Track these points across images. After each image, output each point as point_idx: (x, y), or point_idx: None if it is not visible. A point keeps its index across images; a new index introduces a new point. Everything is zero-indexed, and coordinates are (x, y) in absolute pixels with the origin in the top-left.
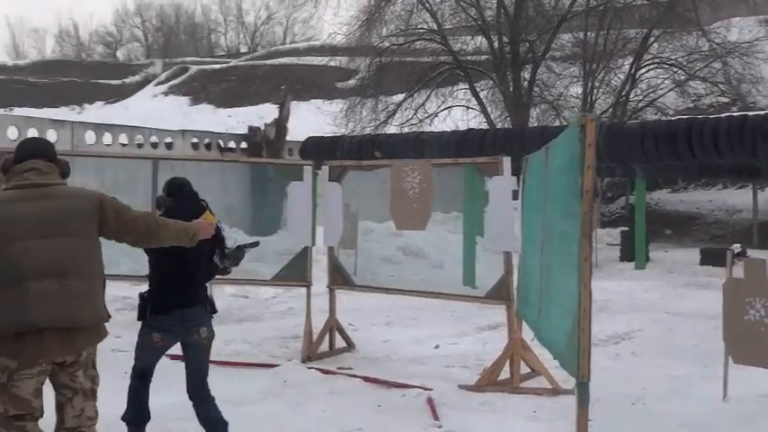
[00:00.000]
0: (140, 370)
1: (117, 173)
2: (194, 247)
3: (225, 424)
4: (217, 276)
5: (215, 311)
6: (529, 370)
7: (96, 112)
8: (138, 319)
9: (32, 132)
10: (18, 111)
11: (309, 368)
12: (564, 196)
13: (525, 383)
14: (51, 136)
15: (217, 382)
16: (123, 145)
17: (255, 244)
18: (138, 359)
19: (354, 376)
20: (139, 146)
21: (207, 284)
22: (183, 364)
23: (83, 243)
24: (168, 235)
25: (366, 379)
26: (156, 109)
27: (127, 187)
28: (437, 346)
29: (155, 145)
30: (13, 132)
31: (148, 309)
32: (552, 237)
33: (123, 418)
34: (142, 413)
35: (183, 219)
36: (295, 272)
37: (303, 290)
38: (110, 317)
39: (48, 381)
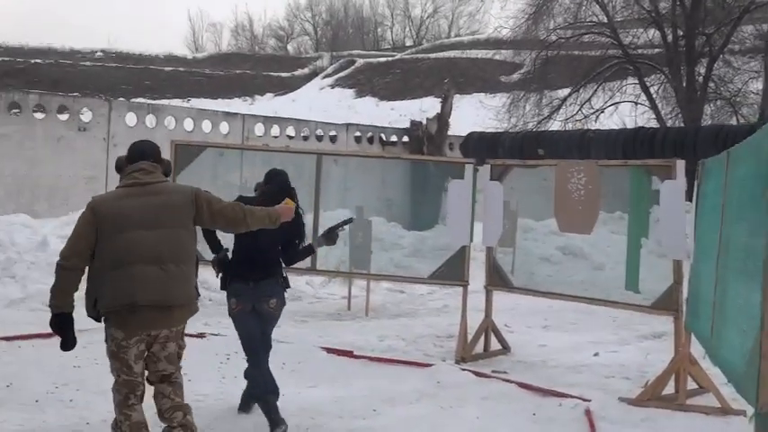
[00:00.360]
0: (244, 344)
1: (283, 165)
2: (268, 231)
3: (276, 389)
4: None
5: (288, 286)
6: (695, 386)
7: (267, 103)
8: (221, 289)
9: (206, 125)
10: (195, 102)
11: (463, 369)
12: (749, 209)
13: (691, 400)
14: (224, 128)
15: (371, 377)
16: (290, 137)
17: (349, 221)
18: (239, 333)
19: (509, 381)
20: (305, 138)
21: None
22: (349, 365)
23: (180, 233)
24: (254, 220)
25: (521, 385)
26: (322, 101)
27: (292, 179)
28: (596, 354)
29: (320, 138)
30: (189, 124)
31: (228, 279)
32: (731, 250)
33: (252, 394)
34: (266, 389)
35: (270, 203)
36: (452, 270)
37: (459, 287)
38: (199, 295)
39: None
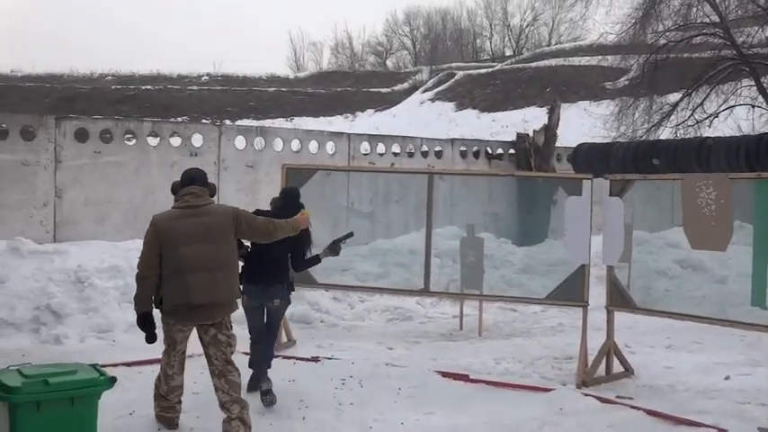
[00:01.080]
0: (250, 330)
1: (388, 185)
2: (278, 243)
3: (268, 361)
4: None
5: (292, 290)
6: None
7: (367, 119)
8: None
9: (314, 145)
10: (297, 120)
11: (586, 395)
12: None
13: None
14: (330, 147)
15: (489, 402)
16: (395, 154)
17: (349, 235)
18: (248, 324)
19: (636, 408)
20: (410, 155)
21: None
22: (465, 389)
23: (224, 246)
24: (281, 231)
25: (650, 412)
26: (423, 115)
27: (401, 198)
28: (727, 378)
29: (425, 154)
30: (296, 145)
31: (242, 280)
32: None
33: (249, 365)
34: (259, 358)
35: (284, 215)
36: (571, 290)
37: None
38: (241, 293)
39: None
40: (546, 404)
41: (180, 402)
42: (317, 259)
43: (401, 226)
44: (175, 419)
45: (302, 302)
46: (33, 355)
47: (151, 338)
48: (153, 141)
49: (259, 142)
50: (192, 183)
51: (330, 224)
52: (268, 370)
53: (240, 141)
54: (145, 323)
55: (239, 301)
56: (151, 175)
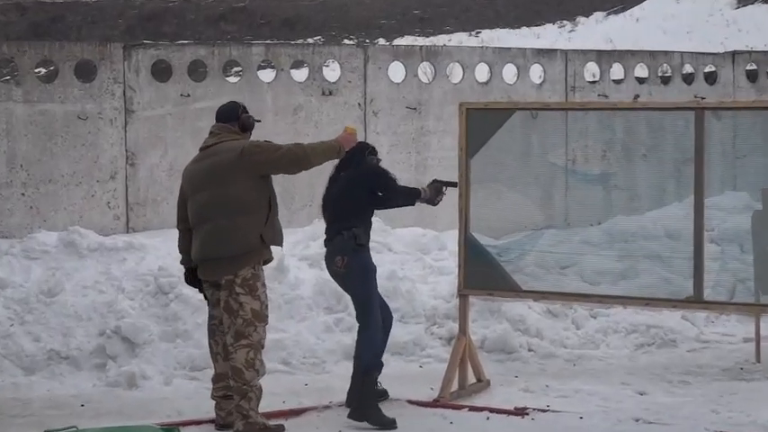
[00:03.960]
0: None
1: (633, 128)
2: (334, 186)
3: (362, 364)
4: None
5: (359, 243)
6: None
7: (595, 27)
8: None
9: (510, 71)
10: (486, 35)
11: None
12: None
13: None
14: (535, 74)
15: None
16: (640, 80)
17: (453, 184)
18: None
19: None
20: (664, 80)
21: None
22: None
23: (230, 189)
24: (317, 156)
25: None
26: (683, 15)
27: (651, 150)
28: None
29: (688, 78)
30: (482, 72)
31: None
32: None
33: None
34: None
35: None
36: None
37: None
38: (264, 243)
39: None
40: None
41: (225, 398)
42: (411, 194)
43: (653, 195)
44: (218, 421)
45: (498, 319)
46: (97, 404)
47: (201, 292)
48: (267, 75)
49: (426, 70)
50: (218, 120)
51: (538, 194)
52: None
53: (397, 70)
54: (189, 278)
55: (266, 253)
56: (265, 124)
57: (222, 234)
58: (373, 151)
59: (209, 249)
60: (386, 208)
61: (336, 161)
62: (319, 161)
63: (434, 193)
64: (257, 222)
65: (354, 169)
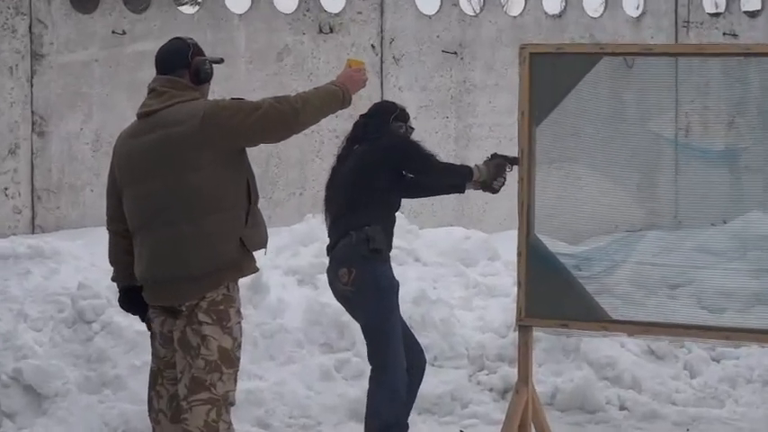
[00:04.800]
0: None
1: None
2: (341, 168)
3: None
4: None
5: (375, 249)
6: None
7: None
8: None
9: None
10: None
11: None
12: None
13: None
14: (631, 0)
15: None
16: None
17: (515, 161)
18: None
19: None
20: None
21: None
22: None
23: (190, 175)
24: (311, 109)
25: None
26: None
27: None
28: None
29: None
30: (553, 2)
31: None
32: None
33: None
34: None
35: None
36: None
37: None
38: (245, 250)
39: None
40: None
41: None
42: (459, 174)
43: None
44: None
45: (576, 362)
46: None
47: (144, 321)
48: (239, 3)
49: None
50: (160, 72)
51: (634, 179)
52: None
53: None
54: (126, 302)
55: (249, 264)
56: (235, 77)
57: (183, 244)
58: (402, 115)
59: (164, 266)
60: (420, 196)
61: (348, 132)
62: (315, 117)
63: (495, 171)
64: (234, 222)
65: (373, 141)
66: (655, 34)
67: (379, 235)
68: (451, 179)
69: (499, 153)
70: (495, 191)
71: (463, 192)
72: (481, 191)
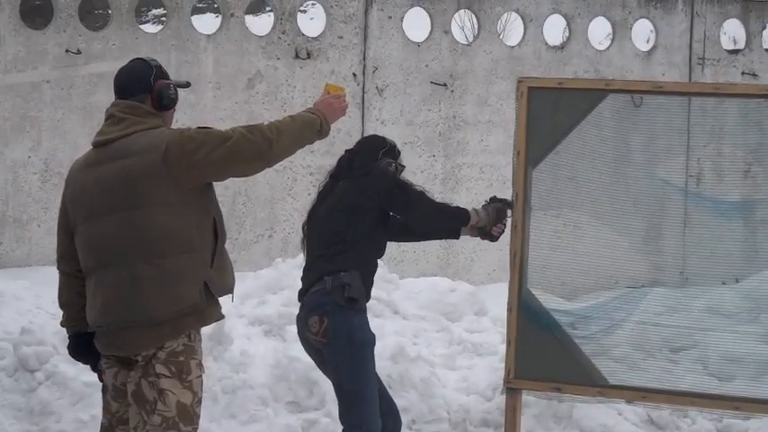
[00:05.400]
0: None
1: None
2: (321, 205)
3: None
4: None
5: (351, 298)
6: None
7: None
8: None
9: (597, 27)
10: None
11: None
12: None
13: None
14: (641, 33)
15: None
16: None
17: (509, 204)
18: None
19: None
20: None
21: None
22: None
23: (151, 212)
24: (287, 139)
25: None
26: None
27: None
28: None
29: None
30: (554, 28)
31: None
32: None
33: None
34: None
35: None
36: None
37: None
38: (209, 296)
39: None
40: None
41: None
42: (455, 217)
43: None
44: None
45: (567, 428)
46: None
47: (96, 371)
48: (207, 23)
49: (465, 24)
50: (119, 95)
51: (639, 230)
52: None
53: (416, 22)
54: (76, 349)
55: (213, 311)
56: (201, 103)
57: (142, 287)
58: (391, 152)
59: (119, 311)
60: (410, 240)
61: (331, 167)
62: (290, 148)
63: (495, 217)
64: (198, 263)
65: (357, 178)
66: (666, 71)
67: (357, 282)
68: (446, 223)
69: (498, 197)
70: (494, 239)
71: (458, 237)
72: (478, 238)
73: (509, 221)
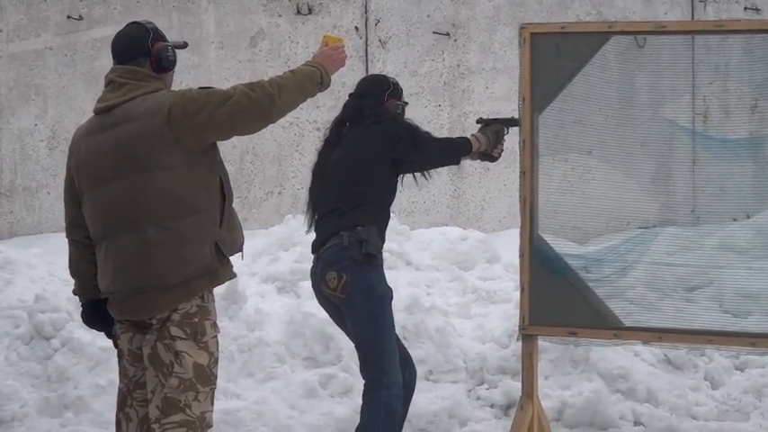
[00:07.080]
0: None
1: None
2: (328, 155)
3: None
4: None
5: (369, 253)
6: None
7: None
8: None
9: None
10: None
11: None
12: None
13: None
14: None
15: None
16: None
17: (516, 122)
18: None
19: None
20: None
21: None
22: None
23: (157, 175)
24: (289, 94)
25: None
26: None
27: None
28: None
29: None
30: None
31: None
32: None
33: None
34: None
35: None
36: None
37: None
38: (220, 256)
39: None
40: None
41: None
42: (459, 149)
43: None
44: None
45: (586, 374)
46: None
47: (111, 337)
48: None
49: None
50: (118, 61)
51: (647, 171)
52: None
53: None
54: (89, 317)
55: (225, 270)
56: (204, 64)
57: (152, 251)
58: (396, 91)
59: (131, 276)
60: (415, 171)
61: (338, 113)
62: (293, 103)
63: (494, 138)
64: (207, 224)
65: (368, 126)
66: (669, 10)
67: (374, 237)
68: (452, 157)
69: (491, 117)
70: (494, 159)
71: (458, 163)
72: (479, 161)
73: (509, 169)
